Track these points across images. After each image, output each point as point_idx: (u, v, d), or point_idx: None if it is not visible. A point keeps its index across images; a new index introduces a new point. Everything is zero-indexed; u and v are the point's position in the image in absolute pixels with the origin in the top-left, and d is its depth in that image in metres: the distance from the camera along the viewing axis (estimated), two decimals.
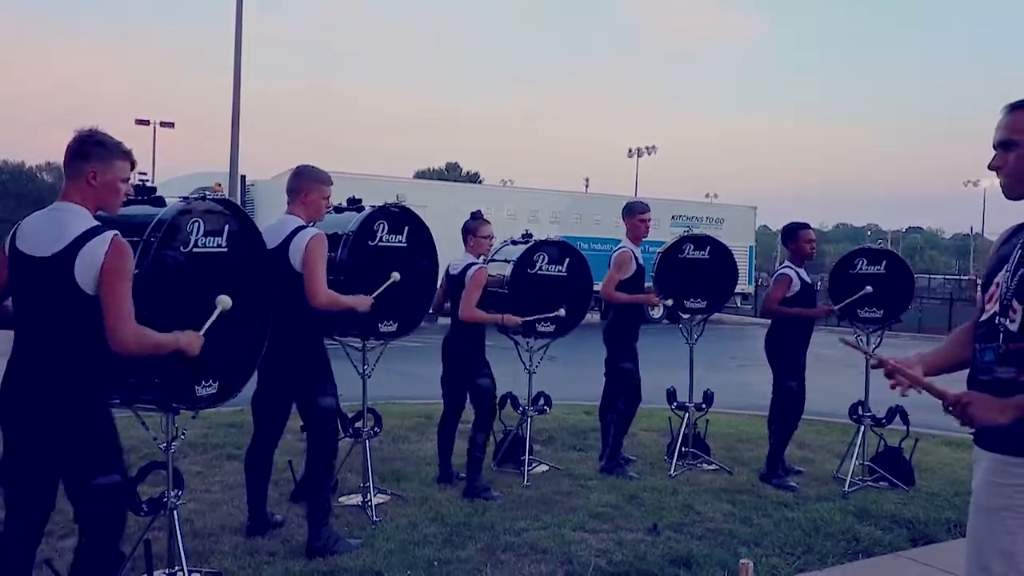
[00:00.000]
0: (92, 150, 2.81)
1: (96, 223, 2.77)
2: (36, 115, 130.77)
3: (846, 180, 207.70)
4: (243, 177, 19.22)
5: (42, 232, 2.77)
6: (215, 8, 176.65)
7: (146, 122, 39.83)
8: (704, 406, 6.38)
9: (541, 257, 5.88)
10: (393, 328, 4.96)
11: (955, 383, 2.30)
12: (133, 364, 3.05)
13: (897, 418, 5.86)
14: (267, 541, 4.35)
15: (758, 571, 4.10)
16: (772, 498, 5.49)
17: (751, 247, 25.44)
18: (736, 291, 10.44)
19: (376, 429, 5.26)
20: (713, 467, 6.23)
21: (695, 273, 6.24)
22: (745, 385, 9.79)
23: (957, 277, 56.50)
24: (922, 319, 21.71)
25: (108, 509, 2.86)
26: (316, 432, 4.24)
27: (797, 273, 5.89)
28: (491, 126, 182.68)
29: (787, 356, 5.92)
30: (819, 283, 9.48)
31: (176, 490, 3.56)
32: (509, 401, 6.10)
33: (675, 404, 6.38)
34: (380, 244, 4.87)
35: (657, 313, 20.78)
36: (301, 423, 4.39)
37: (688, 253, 6.25)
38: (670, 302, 6.23)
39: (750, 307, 25.52)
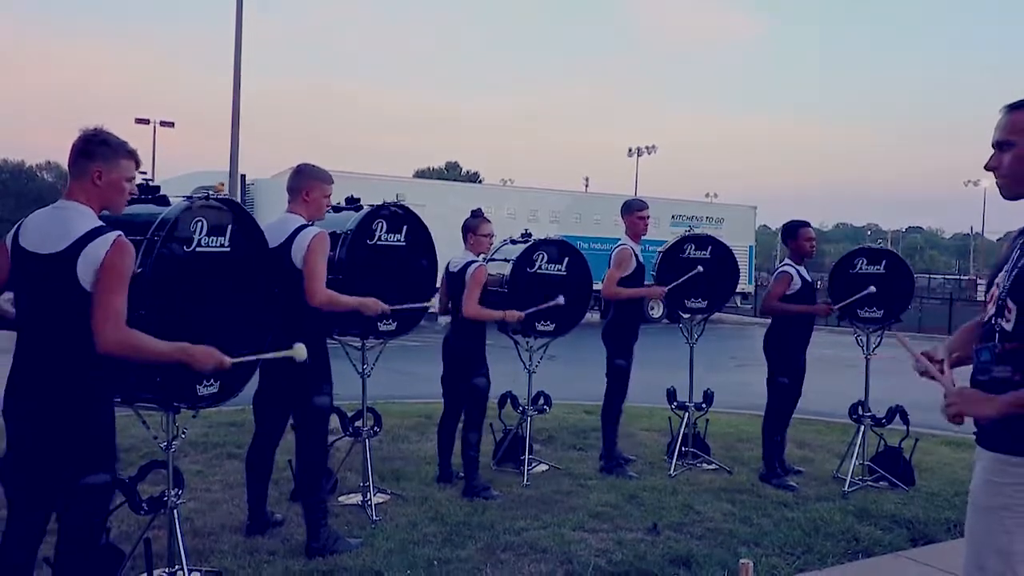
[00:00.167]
0: (97, 149, 2.80)
1: (100, 223, 2.76)
2: (36, 115, 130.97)
3: (846, 180, 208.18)
4: (243, 176, 19.27)
5: (46, 229, 2.76)
6: (215, 8, 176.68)
7: (146, 121, 39.75)
8: (704, 406, 6.38)
9: (540, 256, 5.89)
10: (392, 327, 4.97)
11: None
12: (134, 363, 3.04)
13: (897, 418, 5.83)
14: (267, 540, 4.35)
15: (758, 571, 4.09)
16: (772, 498, 5.49)
17: (751, 247, 25.50)
18: (736, 291, 10.43)
19: (376, 428, 5.26)
20: (713, 467, 6.23)
21: (696, 273, 6.23)
22: (745, 385, 9.77)
23: (957, 277, 56.49)
24: (922, 319, 21.75)
25: (92, 509, 2.83)
26: (309, 431, 4.23)
27: (797, 271, 5.89)
28: (491, 126, 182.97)
29: (784, 353, 5.92)
30: (819, 283, 9.49)
31: (176, 489, 3.56)
32: (509, 400, 6.11)
33: (675, 404, 6.38)
34: (378, 243, 4.88)
35: (657, 312, 20.81)
36: (291, 421, 4.38)
37: (689, 253, 6.25)
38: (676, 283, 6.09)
39: (750, 307, 25.56)
